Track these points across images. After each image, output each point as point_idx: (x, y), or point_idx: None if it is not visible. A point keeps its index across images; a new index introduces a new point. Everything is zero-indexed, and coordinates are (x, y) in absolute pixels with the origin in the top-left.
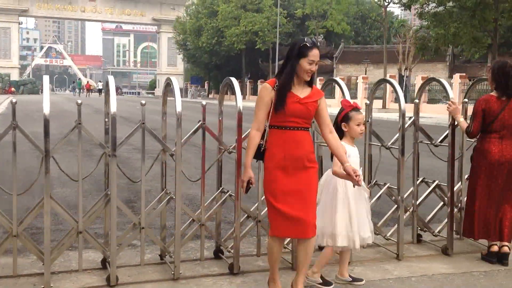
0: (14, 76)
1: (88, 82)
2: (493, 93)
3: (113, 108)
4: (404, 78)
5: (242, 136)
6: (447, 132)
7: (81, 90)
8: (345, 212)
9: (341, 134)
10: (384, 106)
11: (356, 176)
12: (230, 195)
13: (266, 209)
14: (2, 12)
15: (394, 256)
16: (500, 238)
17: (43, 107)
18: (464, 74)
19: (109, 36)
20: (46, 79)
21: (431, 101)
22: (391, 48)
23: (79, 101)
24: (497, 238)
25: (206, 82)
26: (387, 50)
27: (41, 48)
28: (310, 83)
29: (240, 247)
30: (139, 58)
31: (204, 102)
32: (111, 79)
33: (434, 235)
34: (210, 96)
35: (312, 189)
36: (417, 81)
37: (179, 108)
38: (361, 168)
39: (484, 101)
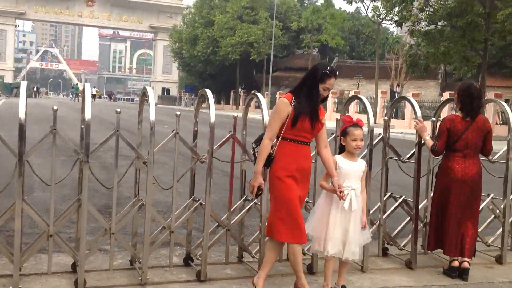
0: (8, 78)
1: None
2: (458, 113)
3: (87, 115)
4: (396, 94)
5: (215, 147)
6: (414, 149)
7: (78, 95)
8: (341, 222)
9: (343, 148)
10: (374, 121)
11: (339, 192)
12: (201, 204)
13: (272, 214)
14: None
15: (359, 268)
16: (461, 254)
17: (19, 112)
18: (453, 92)
19: (106, 42)
20: (23, 85)
21: (423, 118)
22: (385, 64)
23: (55, 107)
24: (458, 253)
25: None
26: (380, 66)
27: (37, 51)
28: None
29: (210, 255)
30: (135, 64)
31: (178, 112)
32: (87, 86)
33: (399, 249)
34: (204, 105)
35: (305, 197)
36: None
37: (152, 117)
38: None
39: (449, 120)
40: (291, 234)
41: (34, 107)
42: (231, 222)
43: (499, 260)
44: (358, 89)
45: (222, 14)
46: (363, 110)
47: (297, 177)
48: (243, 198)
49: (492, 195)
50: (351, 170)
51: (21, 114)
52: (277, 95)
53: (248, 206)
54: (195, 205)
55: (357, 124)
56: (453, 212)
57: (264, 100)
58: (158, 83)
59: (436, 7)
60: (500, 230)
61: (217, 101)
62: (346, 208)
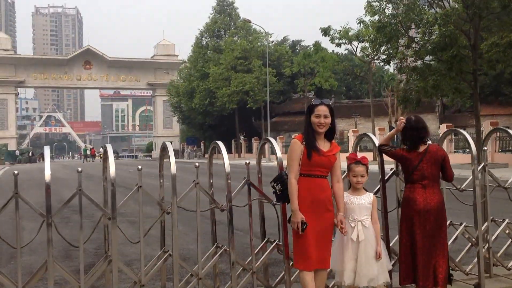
0: (12, 146)
1: (92, 148)
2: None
3: (47, 177)
4: None
5: (179, 198)
6: (378, 186)
7: (88, 157)
8: (352, 252)
9: None
10: (374, 158)
11: (340, 228)
12: (170, 255)
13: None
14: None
15: None
16: (435, 284)
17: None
18: (450, 124)
19: (107, 102)
20: (46, 150)
21: None
22: (382, 102)
23: (16, 172)
24: (432, 284)
25: (202, 142)
26: (377, 104)
27: (40, 117)
28: (330, 139)
29: None
30: (138, 121)
31: (140, 167)
32: (46, 150)
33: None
34: (206, 156)
35: (332, 228)
36: None
37: (112, 173)
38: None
39: (402, 150)
40: (300, 261)
41: (32, 172)
42: (202, 271)
43: (478, 287)
44: (356, 127)
45: (216, 66)
46: (364, 148)
47: (314, 209)
48: (215, 245)
49: (464, 223)
50: (356, 204)
51: (47, 177)
52: (277, 140)
53: (219, 252)
54: (165, 256)
55: (359, 161)
56: (422, 244)
57: (223, 147)
58: (160, 137)
59: (421, 43)
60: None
61: (219, 151)
62: (354, 240)
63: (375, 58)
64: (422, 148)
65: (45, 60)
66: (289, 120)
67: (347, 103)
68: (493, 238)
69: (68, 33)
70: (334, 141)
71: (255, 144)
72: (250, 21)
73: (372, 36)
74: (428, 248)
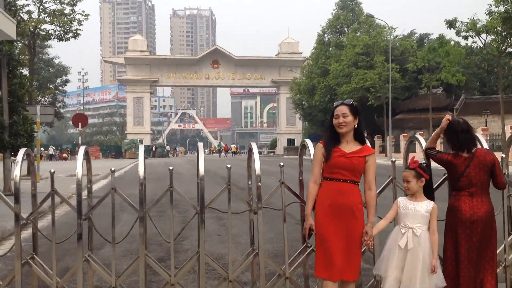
0: (147, 141)
1: (226, 144)
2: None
3: (141, 172)
4: None
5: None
6: None
7: (221, 152)
8: (398, 260)
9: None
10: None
11: (363, 240)
12: (257, 253)
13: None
14: (136, 84)
15: None
16: None
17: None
18: None
19: (237, 100)
20: (141, 147)
21: None
22: None
23: (113, 168)
24: None
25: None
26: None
27: (176, 114)
28: (362, 141)
29: None
30: (265, 118)
31: (229, 165)
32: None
33: None
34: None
35: (357, 236)
36: None
37: (201, 171)
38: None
39: (448, 155)
40: (323, 270)
41: (159, 166)
42: (289, 270)
43: None
44: (485, 125)
45: (337, 62)
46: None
47: (332, 213)
48: (251, 247)
49: None
50: (410, 210)
51: (140, 173)
52: (400, 138)
53: (253, 254)
54: (254, 253)
55: (408, 167)
56: (467, 256)
57: (311, 145)
58: (283, 134)
59: None
60: None
61: None
62: (402, 247)
63: (501, 50)
64: (463, 153)
65: (177, 60)
66: (414, 117)
67: (478, 99)
68: None
69: (202, 34)
70: (367, 144)
71: (377, 142)
72: (372, 16)
73: (499, 27)
74: (475, 261)
